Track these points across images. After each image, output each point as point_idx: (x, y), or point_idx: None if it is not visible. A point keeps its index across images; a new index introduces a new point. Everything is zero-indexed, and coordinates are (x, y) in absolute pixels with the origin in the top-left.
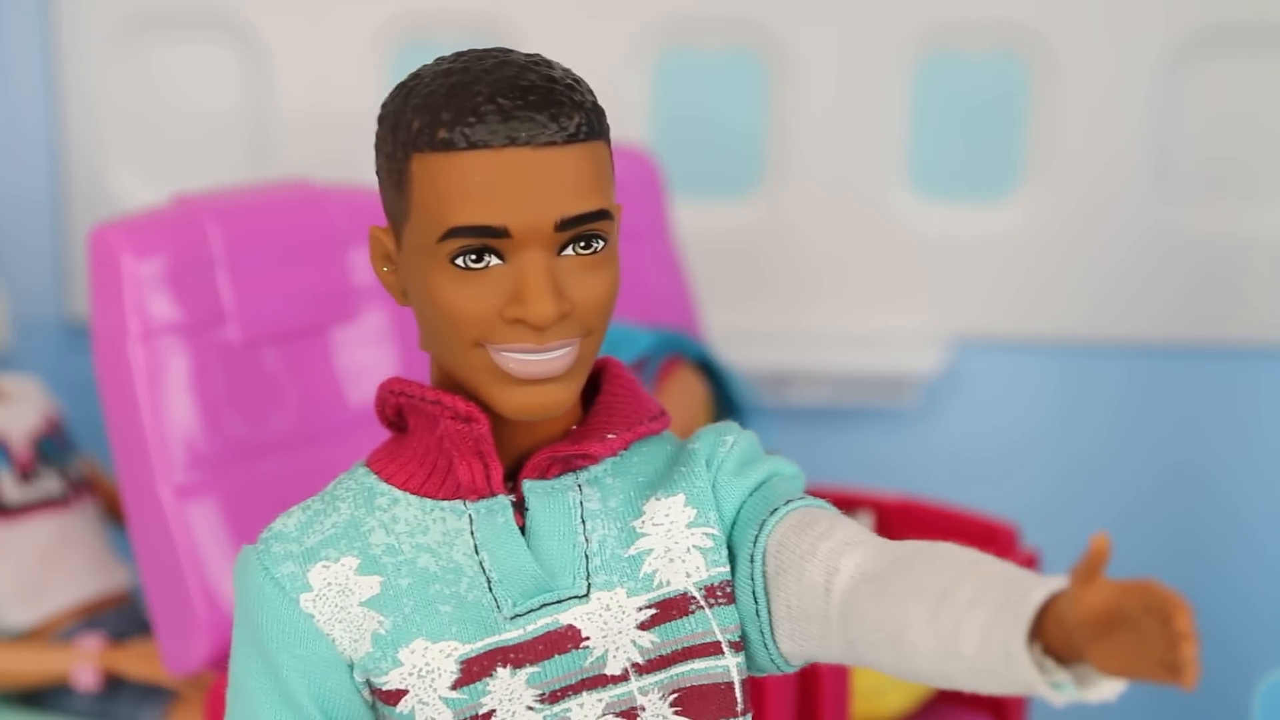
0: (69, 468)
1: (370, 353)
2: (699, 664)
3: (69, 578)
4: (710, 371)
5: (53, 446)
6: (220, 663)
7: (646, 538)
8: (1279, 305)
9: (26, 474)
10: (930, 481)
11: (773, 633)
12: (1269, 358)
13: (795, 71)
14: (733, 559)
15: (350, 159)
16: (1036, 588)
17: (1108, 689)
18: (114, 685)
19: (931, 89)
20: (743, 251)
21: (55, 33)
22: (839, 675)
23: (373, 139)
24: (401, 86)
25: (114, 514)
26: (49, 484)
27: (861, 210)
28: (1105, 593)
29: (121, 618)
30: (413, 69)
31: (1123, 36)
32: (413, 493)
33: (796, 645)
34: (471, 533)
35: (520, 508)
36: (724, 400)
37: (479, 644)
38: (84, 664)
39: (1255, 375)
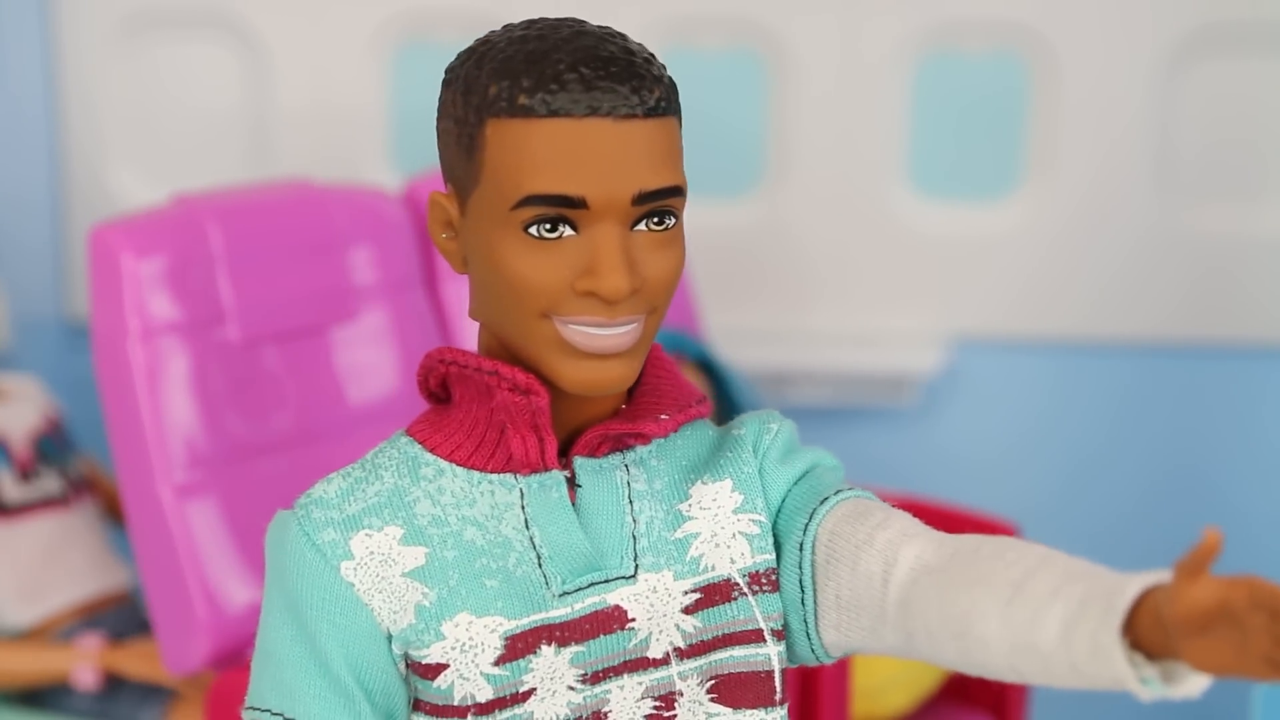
0: (69, 467)
1: (370, 352)
2: (739, 651)
3: (69, 577)
4: (710, 371)
5: (53, 446)
6: (219, 663)
7: (693, 521)
8: (1279, 305)
9: (26, 473)
10: (930, 481)
11: (817, 622)
12: (1269, 358)
13: (795, 71)
14: (778, 546)
15: (350, 159)
16: (1130, 582)
17: (1193, 685)
18: (114, 685)
19: (931, 88)
20: (743, 251)
21: (55, 32)
22: (839, 675)
23: (373, 138)
24: (472, 51)
25: (114, 514)
26: (49, 483)
27: (861, 210)
28: (1211, 588)
29: (121, 617)
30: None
31: (1122, 36)
32: (459, 464)
33: (841, 635)
34: (522, 507)
35: (571, 484)
36: (724, 400)
37: (525, 620)
38: (84, 663)
39: (1255, 375)
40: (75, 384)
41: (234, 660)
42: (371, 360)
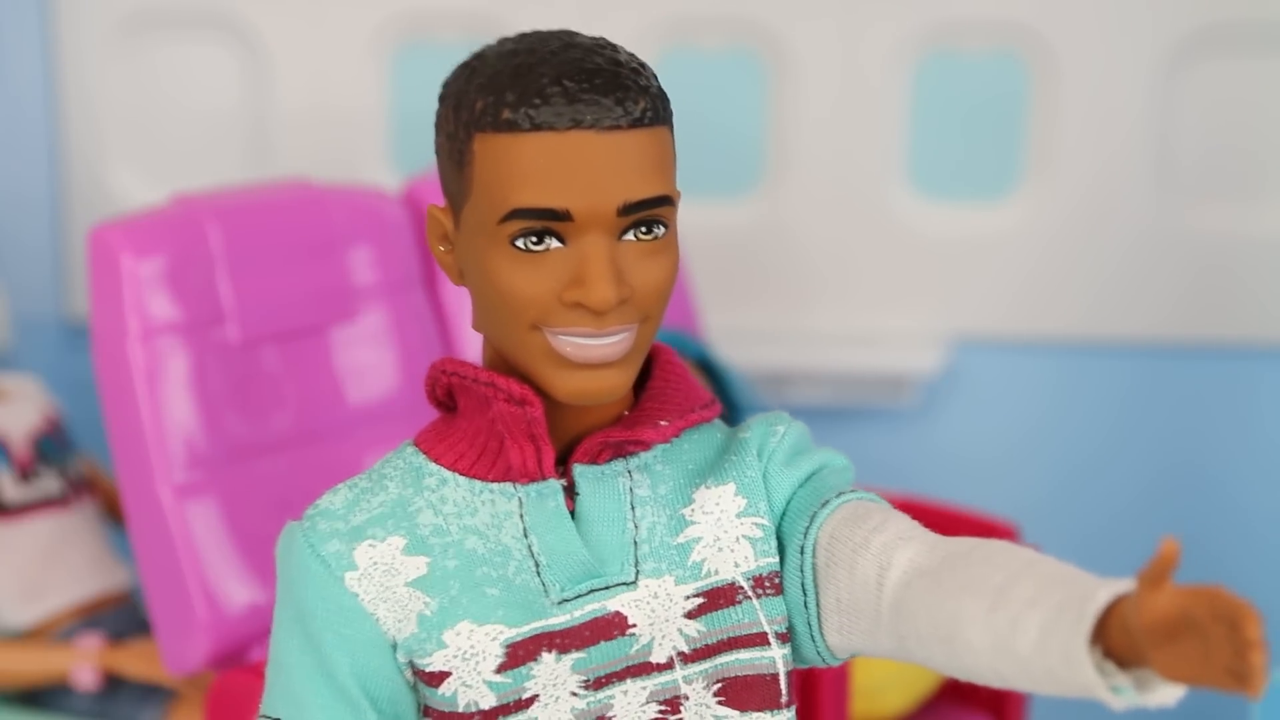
0: (69, 467)
1: (370, 353)
2: (744, 654)
3: (69, 577)
4: (710, 371)
5: (52, 446)
6: (219, 663)
7: (696, 526)
8: (1279, 305)
9: (26, 474)
10: (930, 481)
11: (820, 625)
12: (1269, 358)
13: (795, 71)
14: (782, 550)
15: (350, 159)
16: (1100, 589)
17: (1167, 694)
18: (114, 685)
19: (931, 89)
20: (743, 251)
21: (55, 32)
22: (839, 675)
23: (372, 138)
24: (465, 66)
25: (114, 514)
26: (49, 484)
27: (861, 210)
28: (1172, 598)
29: (121, 617)
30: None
31: (1122, 36)
32: (462, 474)
33: (844, 638)
34: (521, 516)
35: (571, 492)
36: (724, 400)
37: (525, 628)
38: (84, 664)
39: (1255, 375)
40: (75, 384)
41: (234, 660)
42: (371, 360)
